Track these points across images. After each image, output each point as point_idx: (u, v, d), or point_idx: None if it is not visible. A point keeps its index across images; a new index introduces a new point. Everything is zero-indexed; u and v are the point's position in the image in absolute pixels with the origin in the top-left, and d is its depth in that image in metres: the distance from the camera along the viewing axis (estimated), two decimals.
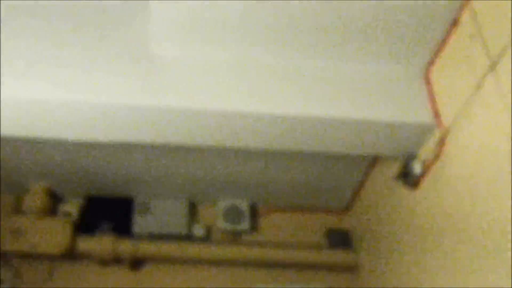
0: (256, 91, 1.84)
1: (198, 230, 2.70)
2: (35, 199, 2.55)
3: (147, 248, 2.56)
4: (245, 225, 2.70)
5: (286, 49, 1.86)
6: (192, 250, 2.61)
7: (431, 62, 1.89)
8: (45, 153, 2.41)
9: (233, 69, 1.87)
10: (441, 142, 1.78)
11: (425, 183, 1.90)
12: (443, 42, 1.80)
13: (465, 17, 1.68)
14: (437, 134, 1.82)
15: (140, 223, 2.64)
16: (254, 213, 2.81)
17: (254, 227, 2.78)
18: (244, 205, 2.74)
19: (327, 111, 1.82)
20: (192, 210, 2.77)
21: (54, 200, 2.65)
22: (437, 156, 1.80)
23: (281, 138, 1.90)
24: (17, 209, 2.63)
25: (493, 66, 1.49)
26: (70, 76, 1.81)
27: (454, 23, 1.72)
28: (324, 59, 1.89)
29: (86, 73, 1.83)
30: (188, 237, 2.66)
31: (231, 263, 2.66)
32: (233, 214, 2.72)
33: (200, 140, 1.94)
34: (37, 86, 1.77)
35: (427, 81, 1.91)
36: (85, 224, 2.62)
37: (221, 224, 2.70)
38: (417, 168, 1.91)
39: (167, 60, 1.88)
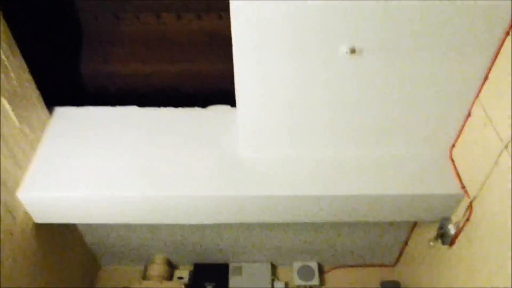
0: (322, 178, 1.87)
1: (279, 286, 2.69)
2: (157, 268, 2.61)
3: None
4: (315, 281, 2.68)
5: (342, 144, 1.89)
6: None
7: (453, 145, 1.90)
8: (165, 232, 2.48)
9: (304, 163, 1.90)
10: (469, 208, 1.76)
11: (459, 241, 1.86)
12: (461, 129, 1.82)
13: (476, 110, 1.72)
14: (465, 202, 1.80)
15: (235, 283, 2.66)
16: (321, 270, 2.77)
17: (322, 282, 2.74)
18: (313, 265, 2.73)
19: (378, 189, 1.84)
20: (273, 270, 2.76)
21: (170, 267, 2.70)
22: (467, 219, 1.78)
23: (343, 212, 1.91)
24: (145, 276, 2.70)
25: (506, 146, 1.51)
26: (179, 175, 1.84)
27: (469, 114, 1.76)
28: (373, 149, 1.92)
29: (189, 172, 1.86)
30: None
31: None
32: (305, 272, 2.71)
33: (279, 218, 1.95)
34: (157, 185, 1.83)
35: (452, 160, 1.92)
36: (194, 286, 2.65)
37: (296, 281, 2.69)
38: (451, 229, 1.89)
39: (251, 160, 1.91)
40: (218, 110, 2.12)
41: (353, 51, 1.53)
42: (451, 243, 1.90)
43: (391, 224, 2.36)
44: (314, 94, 1.69)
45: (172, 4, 2.11)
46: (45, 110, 2.06)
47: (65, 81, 2.23)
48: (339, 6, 1.40)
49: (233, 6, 1.41)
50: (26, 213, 1.88)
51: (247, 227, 2.40)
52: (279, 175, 1.87)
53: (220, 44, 2.17)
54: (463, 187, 1.82)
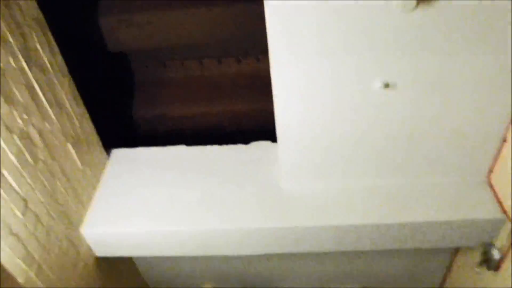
0: (363, 207, 1.91)
1: None
2: None
3: None
4: None
5: (380, 174, 1.94)
6: None
7: (490, 171, 1.92)
8: (213, 262, 2.57)
9: (345, 193, 1.95)
10: None
11: (505, 266, 1.85)
12: (498, 154, 1.84)
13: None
14: (507, 226, 1.81)
15: None
16: None
17: None
18: None
19: (420, 217, 1.86)
20: None
21: None
22: (511, 243, 1.78)
23: (385, 240, 1.94)
24: None
25: None
26: (226, 209, 1.93)
27: (504, 139, 1.79)
28: (411, 177, 1.95)
29: (236, 206, 1.95)
30: None
31: None
32: None
33: (321, 247, 1.99)
34: (208, 219, 1.93)
35: (490, 186, 1.94)
36: None
37: None
38: (496, 254, 1.88)
39: (293, 192, 1.98)
40: (259, 146, 2.23)
41: (386, 85, 1.62)
42: (496, 268, 1.89)
43: (432, 250, 2.36)
44: (351, 127, 1.77)
45: (214, 50, 2.29)
46: (103, 152, 2.24)
47: (120, 125, 2.42)
48: (371, 45, 1.50)
49: (272, 57, 1.54)
50: (88, 247, 2.03)
51: (292, 255, 2.44)
52: (321, 206, 1.93)
53: (259, 85, 2.32)
54: (504, 211, 1.83)
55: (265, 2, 1.41)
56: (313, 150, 1.85)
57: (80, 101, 2.00)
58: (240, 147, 2.24)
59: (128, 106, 2.38)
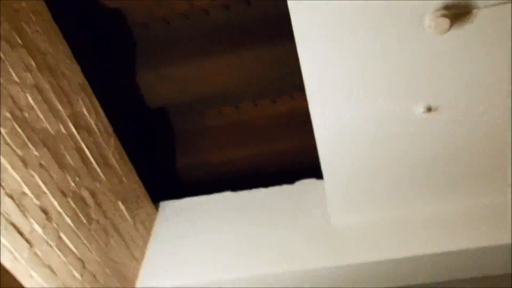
0: (420, 236, 1.84)
1: None
2: None
3: None
4: None
5: (429, 199, 1.88)
6: None
7: None
8: None
9: (396, 223, 1.89)
10: None
11: None
12: None
13: None
14: None
15: None
16: None
17: None
18: None
19: (481, 241, 1.77)
20: None
21: None
22: None
23: (448, 270, 1.87)
24: None
25: None
26: (279, 252, 1.91)
27: None
28: (463, 201, 1.88)
29: (287, 248, 1.93)
30: None
31: None
32: None
33: (377, 283, 1.91)
34: (260, 264, 1.90)
35: None
36: None
37: None
38: None
39: (344, 228, 1.93)
40: (305, 184, 2.21)
41: (429, 109, 1.59)
42: None
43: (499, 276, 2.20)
44: (395, 153, 1.73)
45: (248, 94, 2.33)
46: (152, 206, 2.28)
47: (165, 177, 2.47)
48: (409, 69, 1.48)
49: (309, 94, 1.55)
50: None
51: None
52: (373, 239, 1.87)
53: (296, 122, 2.32)
54: None
55: (297, 42, 1.43)
56: (359, 182, 1.82)
57: (126, 158, 2.06)
58: (285, 187, 2.23)
59: (171, 158, 2.42)
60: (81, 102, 1.73)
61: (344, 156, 1.75)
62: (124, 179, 2.00)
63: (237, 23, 2.04)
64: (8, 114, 1.33)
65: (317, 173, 2.02)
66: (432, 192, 1.86)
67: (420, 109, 1.58)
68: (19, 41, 1.43)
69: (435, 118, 1.61)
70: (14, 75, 1.38)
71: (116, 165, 1.96)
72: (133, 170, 2.10)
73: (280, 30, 1.96)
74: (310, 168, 2.17)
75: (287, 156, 2.37)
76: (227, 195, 2.27)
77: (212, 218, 2.16)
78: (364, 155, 1.75)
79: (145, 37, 2.11)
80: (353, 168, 1.79)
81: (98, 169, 1.79)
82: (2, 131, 1.30)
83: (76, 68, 1.74)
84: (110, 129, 1.93)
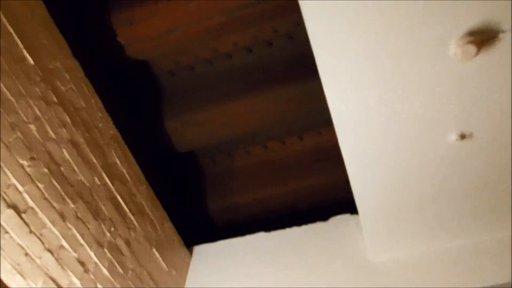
0: (459, 270, 1.77)
1: None
2: None
3: None
4: None
5: (468, 232, 1.83)
6: None
7: None
8: None
9: (436, 258, 1.83)
10: None
11: None
12: None
13: None
14: None
15: None
16: None
17: None
18: None
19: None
20: None
21: None
22: None
23: None
24: None
25: None
26: None
27: None
28: (501, 231, 1.81)
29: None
30: None
31: None
32: None
33: None
34: None
35: None
36: None
37: None
38: None
39: (382, 263, 1.88)
40: (339, 220, 2.16)
41: (462, 136, 1.54)
42: None
43: None
44: (429, 183, 1.68)
45: (276, 132, 2.33)
46: (186, 251, 2.26)
47: (197, 220, 2.46)
48: (439, 97, 1.45)
49: (338, 129, 1.54)
50: None
51: None
52: (414, 274, 1.80)
53: (325, 158, 2.30)
54: None
55: (322, 79, 1.43)
56: (395, 214, 1.77)
57: (159, 205, 2.07)
58: (319, 225, 2.19)
59: (202, 201, 2.42)
60: (113, 153, 1.76)
61: (378, 189, 1.71)
62: (157, 226, 2.01)
63: (260, 65, 2.08)
64: (45, 170, 1.36)
65: (350, 208, 1.98)
66: (475, 223, 1.79)
67: (453, 137, 1.53)
68: (55, 99, 1.48)
69: (469, 145, 1.56)
70: (50, 131, 1.43)
71: (149, 213, 1.97)
72: (166, 216, 2.11)
73: (302, 68, 1.99)
74: (342, 202, 2.13)
75: (318, 192, 2.34)
76: (261, 236, 2.23)
77: (247, 261, 2.12)
78: (397, 187, 1.70)
79: (172, 84, 2.17)
80: (388, 201, 1.74)
81: (132, 218, 1.80)
82: (40, 186, 1.33)
83: (108, 120, 1.79)
84: (142, 177, 1.96)
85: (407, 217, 1.79)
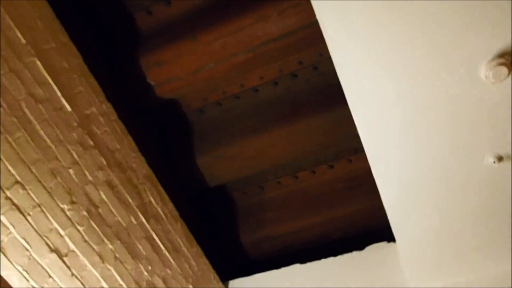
0: None
1: None
2: None
3: None
4: None
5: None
6: None
7: None
8: None
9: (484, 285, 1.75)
10: None
11: None
12: None
13: None
14: None
15: None
16: None
17: None
18: None
19: None
20: None
21: None
22: None
23: None
24: None
25: None
26: None
27: None
28: None
29: None
30: None
31: None
32: None
33: None
34: None
35: None
36: None
37: None
38: None
39: None
40: (375, 249, 2.10)
41: (500, 158, 1.49)
42: None
43: None
44: (467, 208, 1.62)
45: (305, 162, 2.32)
46: (222, 286, 2.23)
47: (231, 254, 2.44)
48: (474, 120, 1.42)
49: (369, 156, 1.51)
50: None
51: None
52: None
53: (355, 185, 2.26)
54: None
55: (351, 107, 1.42)
56: (435, 242, 1.72)
57: (194, 241, 2.07)
58: (355, 254, 2.13)
59: (235, 234, 2.41)
60: (148, 192, 1.78)
61: (415, 216, 1.66)
62: (193, 262, 2.00)
63: (287, 96, 2.10)
64: (85, 213, 1.39)
65: (385, 235, 1.92)
66: (506, 248, 1.71)
67: (490, 159, 1.49)
68: (91, 142, 1.52)
69: (507, 166, 1.51)
70: (88, 174, 1.46)
71: (185, 249, 1.97)
72: (200, 252, 2.10)
73: (328, 97, 2.00)
74: (377, 230, 2.07)
75: (351, 220, 2.29)
76: (296, 268, 2.19)
77: None
78: (436, 213, 1.65)
79: (201, 121, 2.20)
80: (425, 227, 1.69)
81: (168, 255, 1.80)
82: (80, 229, 1.35)
83: (142, 160, 1.82)
84: (176, 214, 1.97)
85: (447, 244, 1.73)
